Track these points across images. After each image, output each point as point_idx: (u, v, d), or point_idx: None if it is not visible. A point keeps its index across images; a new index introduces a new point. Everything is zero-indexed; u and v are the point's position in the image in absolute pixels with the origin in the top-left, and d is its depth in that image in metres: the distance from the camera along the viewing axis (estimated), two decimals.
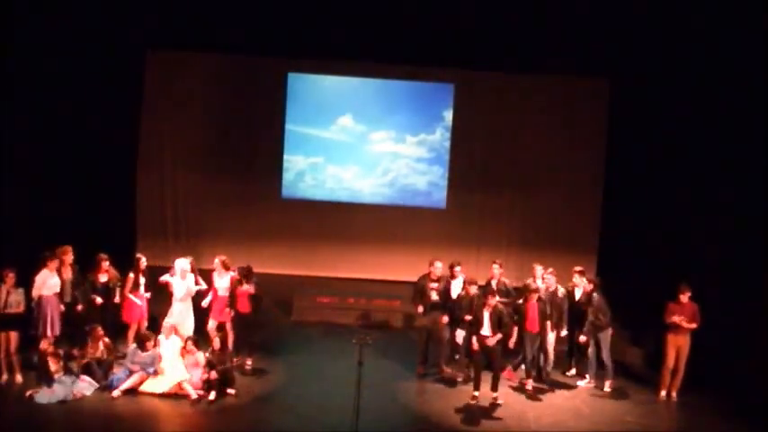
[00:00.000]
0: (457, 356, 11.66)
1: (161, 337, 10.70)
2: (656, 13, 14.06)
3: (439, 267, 11.70)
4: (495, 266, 12.08)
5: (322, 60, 16.32)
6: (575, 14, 14.65)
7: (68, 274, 11.03)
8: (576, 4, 14.55)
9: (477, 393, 10.63)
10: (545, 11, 14.74)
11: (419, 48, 15.50)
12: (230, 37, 15.51)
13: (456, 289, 11.60)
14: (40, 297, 10.47)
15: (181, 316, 11.22)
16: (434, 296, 11.50)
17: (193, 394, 10.11)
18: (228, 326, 11.48)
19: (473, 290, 11.19)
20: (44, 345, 10.13)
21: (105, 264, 11.38)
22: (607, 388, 11.26)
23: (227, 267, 11.55)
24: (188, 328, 11.25)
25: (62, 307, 10.74)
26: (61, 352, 10.37)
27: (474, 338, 10.71)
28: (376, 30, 15.22)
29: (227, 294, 11.40)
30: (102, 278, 11.31)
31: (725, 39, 12.96)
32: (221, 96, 16.45)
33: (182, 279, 11.35)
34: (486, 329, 10.64)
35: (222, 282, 11.47)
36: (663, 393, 11.11)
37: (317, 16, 15.11)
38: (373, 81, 16.64)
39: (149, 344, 10.47)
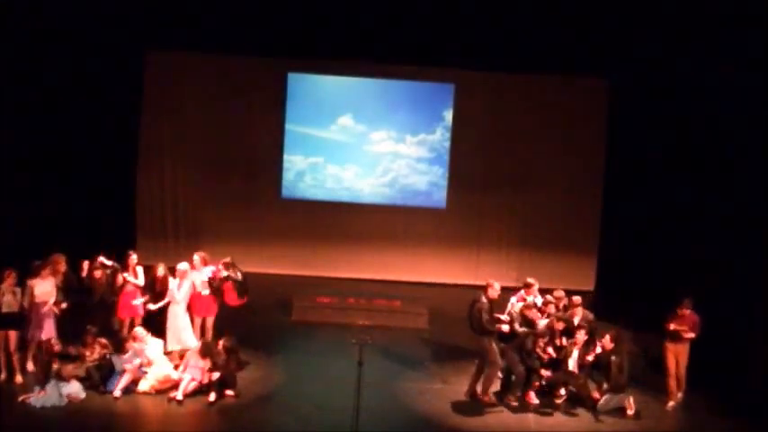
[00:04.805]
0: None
1: (139, 334, 10.64)
2: (656, 13, 14.07)
3: (497, 289, 10.80)
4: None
5: (322, 60, 16.32)
6: (575, 14, 14.65)
7: (59, 279, 10.94)
8: (576, 4, 14.56)
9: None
10: (545, 11, 14.75)
11: (419, 48, 15.51)
12: (230, 37, 15.53)
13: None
14: (30, 303, 10.40)
15: (182, 319, 11.23)
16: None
17: (179, 395, 10.07)
18: (210, 321, 11.49)
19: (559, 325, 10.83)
20: (56, 346, 10.11)
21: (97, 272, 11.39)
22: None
23: (206, 263, 11.59)
24: (183, 328, 11.25)
25: (55, 310, 10.66)
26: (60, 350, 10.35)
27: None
28: (376, 30, 15.23)
29: (206, 290, 11.41)
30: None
31: (725, 38, 12.97)
32: (221, 96, 16.45)
33: (180, 281, 11.31)
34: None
35: (200, 276, 11.45)
36: (671, 403, 10.83)
37: (317, 16, 15.12)
38: (373, 81, 16.63)
39: (127, 344, 10.48)
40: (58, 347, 10.11)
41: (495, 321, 10.61)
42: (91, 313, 11.23)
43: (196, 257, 11.56)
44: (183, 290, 11.23)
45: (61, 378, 9.95)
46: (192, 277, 11.40)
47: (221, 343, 10.58)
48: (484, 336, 10.51)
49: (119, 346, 10.58)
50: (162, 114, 16.42)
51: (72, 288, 11.11)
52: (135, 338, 10.55)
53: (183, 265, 11.38)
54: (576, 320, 11.11)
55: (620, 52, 15.26)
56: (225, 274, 11.56)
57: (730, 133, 13.03)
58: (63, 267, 11.03)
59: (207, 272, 11.51)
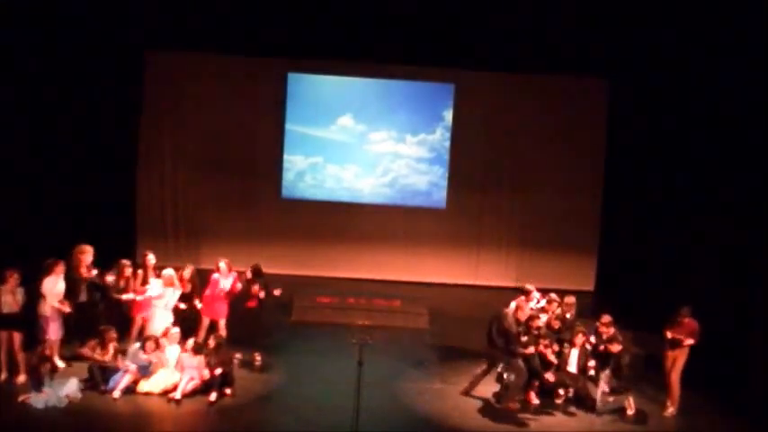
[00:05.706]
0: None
1: (163, 341, 10.65)
2: (656, 13, 14.06)
3: (527, 313, 10.77)
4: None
5: (322, 60, 16.32)
6: (574, 14, 14.65)
7: (86, 273, 10.90)
8: (576, 4, 14.56)
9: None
10: (545, 11, 14.74)
11: (419, 48, 15.51)
12: (230, 37, 15.52)
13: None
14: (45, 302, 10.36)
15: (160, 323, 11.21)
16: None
17: (178, 395, 10.06)
18: (222, 323, 11.46)
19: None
20: (40, 348, 10.09)
21: (128, 270, 11.31)
22: None
23: (231, 269, 11.58)
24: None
25: (67, 308, 10.56)
26: (49, 354, 10.32)
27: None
28: (376, 30, 15.23)
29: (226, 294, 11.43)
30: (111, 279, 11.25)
31: (725, 38, 12.96)
32: (221, 96, 16.44)
33: (164, 286, 11.26)
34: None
35: (227, 282, 11.47)
36: (671, 410, 10.70)
37: (317, 16, 15.12)
38: (373, 81, 16.64)
39: (151, 346, 10.45)
40: (49, 351, 10.09)
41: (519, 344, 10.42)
42: (105, 312, 11.19)
43: (223, 265, 11.50)
44: (167, 295, 11.15)
45: (57, 379, 9.96)
46: (222, 283, 11.40)
47: (211, 341, 10.58)
48: (508, 355, 10.41)
49: (143, 343, 10.52)
50: (162, 114, 16.42)
51: (93, 284, 11.08)
52: (166, 336, 10.57)
53: (169, 271, 11.31)
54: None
55: (620, 52, 15.26)
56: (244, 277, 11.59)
57: (730, 133, 13.02)
58: (89, 258, 10.91)
59: (231, 278, 11.52)
